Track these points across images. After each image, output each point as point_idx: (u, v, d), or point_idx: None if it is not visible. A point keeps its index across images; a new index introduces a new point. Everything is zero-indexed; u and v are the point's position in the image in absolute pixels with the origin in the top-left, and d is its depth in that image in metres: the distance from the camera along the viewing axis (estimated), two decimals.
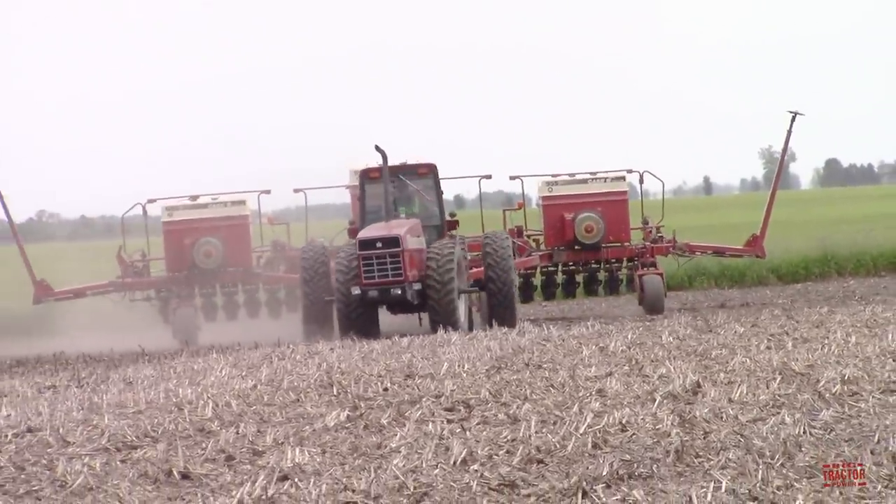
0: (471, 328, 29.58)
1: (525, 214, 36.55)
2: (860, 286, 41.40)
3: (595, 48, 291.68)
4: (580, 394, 15.83)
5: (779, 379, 16.06)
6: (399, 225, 29.18)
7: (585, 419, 13.58)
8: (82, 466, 12.69)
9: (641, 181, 36.51)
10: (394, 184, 30.44)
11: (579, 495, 10.45)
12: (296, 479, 11.58)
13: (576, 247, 35.93)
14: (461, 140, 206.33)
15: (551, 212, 36.11)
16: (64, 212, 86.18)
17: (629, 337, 23.11)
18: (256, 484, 11.35)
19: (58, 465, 12.80)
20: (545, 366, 19.17)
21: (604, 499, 10.32)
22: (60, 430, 14.88)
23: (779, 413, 13.60)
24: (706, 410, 13.92)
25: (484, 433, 13.41)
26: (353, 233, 30.10)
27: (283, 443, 13.54)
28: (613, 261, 36.38)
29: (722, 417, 13.62)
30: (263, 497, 11.03)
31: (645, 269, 35.48)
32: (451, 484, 11.14)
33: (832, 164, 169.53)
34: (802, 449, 11.73)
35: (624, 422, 13.48)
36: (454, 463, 11.92)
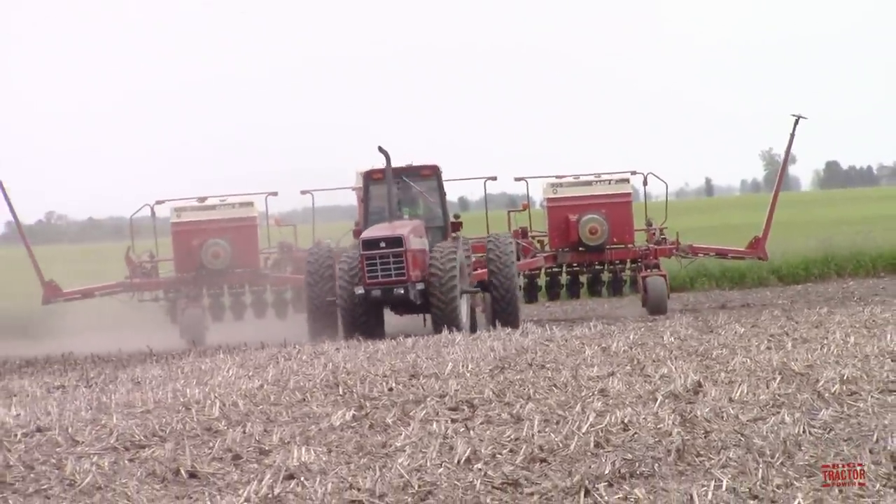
0: (474, 329, 29.66)
1: (530, 216, 36.66)
2: (859, 287, 41.46)
3: (595, 49, 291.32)
4: (583, 393, 15.86)
5: (779, 379, 16.09)
6: (402, 225, 29.29)
7: (588, 418, 13.62)
8: (91, 465, 12.69)
9: (645, 183, 36.57)
10: (398, 185, 30.55)
11: (582, 494, 10.47)
12: (302, 478, 11.59)
13: (580, 248, 36.02)
14: (461, 141, 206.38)
15: (556, 213, 36.20)
16: (72, 213, 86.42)
17: (631, 337, 23.15)
18: (263, 482, 11.37)
19: (67, 464, 12.79)
20: (548, 366, 19.20)
21: (606, 497, 10.33)
22: (69, 430, 14.89)
23: (779, 412, 13.63)
24: (707, 410, 13.95)
25: (487, 432, 13.43)
26: (357, 234, 30.19)
27: (289, 442, 13.55)
28: (617, 262, 36.47)
29: (722, 417, 13.64)
30: (270, 495, 11.05)
31: (648, 270, 35.59)
32: (455, 483, 11.17)
33: (832, 167, 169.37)
34: (802, 448, 11.75)
35: (626, 421, 13.50)
36: (458, 462, 11.94)
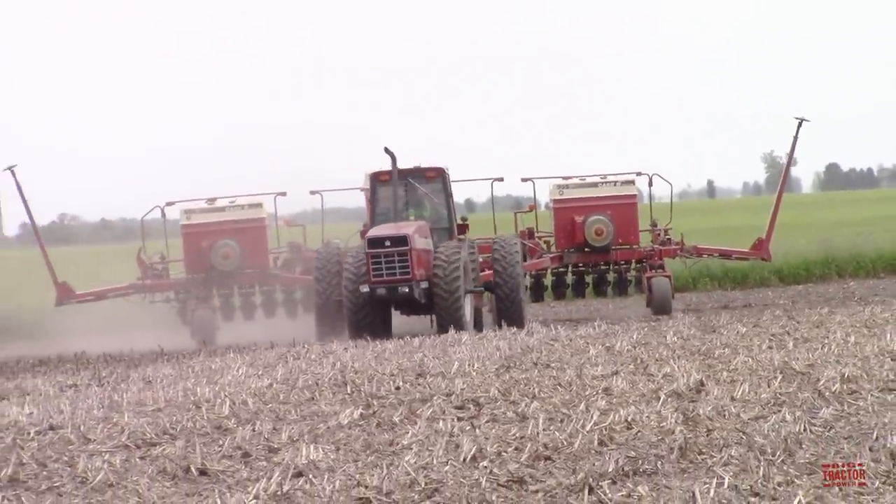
0: (479, 328, 29.77)
1: (536, 217, 36.77)
2: (860, 287, 41.56)
3: (595, 49, 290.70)
4: (587, 392, 15.91)
5: (780, 378, 16.14)
6: (407, 225, 29.45)
7: (592, 417, 13.67)
8: (102, 463, 12.73)
9: (650, 184, 36.70)
10: (404, 187, 30.70)
11: (586, 491, 10.49)
12: (310, 476, 11.62)
13: (585, 249, 36.15)
14: (462, 141, 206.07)
15: (562, 214, 36.33)
16: (85, 215, 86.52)
17: (635, 337, 23.25)
18: (272, 480, 11.40)
19: (79, 461, 12.81)
20: (553, 365, 19.26)
21: (609, 494, 10.37)
22: (81, 428, 14.95)
23: (780, 411, 13.68)
24: (709, 408, 14.00)
25: (493, 431, 13.46)
26: (364, 235, 30.35)
27: (297, 440, 13.57)
28: (622, 263, 36.60)
29: (724, 415, 13.69)
30: (279, 493, 11.09)
31: (653, 271, 35.73)
32: (461, 480, 11.20)
33: (832, 169, 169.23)
34: (803, 446, 11.81)
35: (629, 419, 13.55)
36: (464, 460, 11.97)
